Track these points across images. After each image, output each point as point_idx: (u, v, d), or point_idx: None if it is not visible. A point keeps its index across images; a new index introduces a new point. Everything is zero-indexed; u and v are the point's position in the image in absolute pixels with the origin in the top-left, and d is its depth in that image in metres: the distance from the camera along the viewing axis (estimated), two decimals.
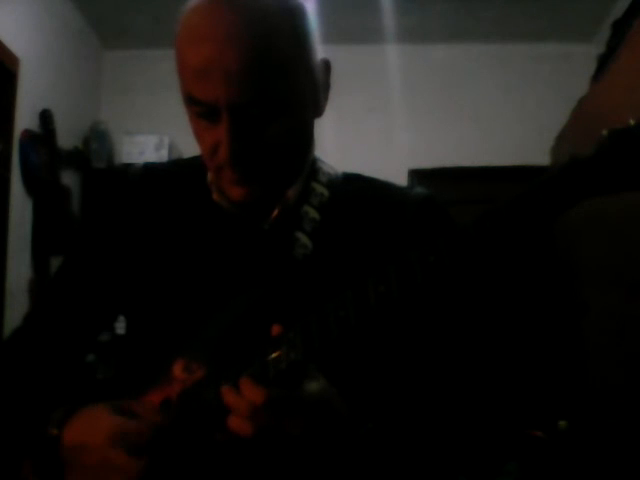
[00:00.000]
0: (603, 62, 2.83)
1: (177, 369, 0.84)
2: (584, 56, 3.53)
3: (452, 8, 3.60)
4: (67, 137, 3.40)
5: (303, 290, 0.89)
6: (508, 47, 3.95)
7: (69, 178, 3.45)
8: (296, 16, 0.87)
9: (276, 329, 0.78)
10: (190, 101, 0.85)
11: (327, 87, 0.94)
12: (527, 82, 3.90)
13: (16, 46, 2.92)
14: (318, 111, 0.94)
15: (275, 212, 0.92)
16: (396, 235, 0.92)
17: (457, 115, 3.93)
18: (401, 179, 3.79)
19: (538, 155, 3.69)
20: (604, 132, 0.65)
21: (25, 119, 3.02)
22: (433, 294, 0.78)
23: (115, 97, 3.97)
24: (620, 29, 2.67)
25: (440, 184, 3.85)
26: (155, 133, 3.69)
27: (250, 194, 0.89)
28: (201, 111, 0.85)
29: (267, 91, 0.82)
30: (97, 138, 3.68)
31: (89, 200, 3.61)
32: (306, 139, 0.95)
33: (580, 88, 3.11)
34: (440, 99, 3.95)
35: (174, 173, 1.02)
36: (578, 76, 3.27)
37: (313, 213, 0.94)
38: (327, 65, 0.93)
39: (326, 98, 0.94)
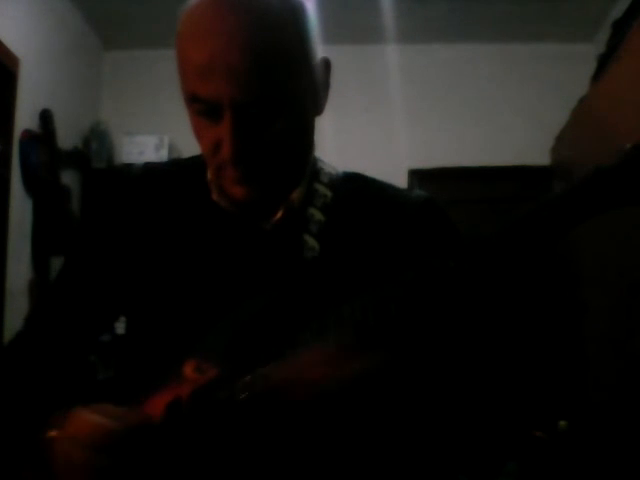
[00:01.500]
0: (603, 62, 2.83)
1: (188, 369, 0.84)
2: (584, 56, 3.53)
3: (452, 8, 3.60)
4: (67, 137, 3.40)
5: (315, 292, 0.89)
6: (508, 47, 3.95)
7: (69, 178, 3.45)
8: (298, 14, 0.86)
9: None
10: (192, 99, 0.85)
11: (327, 86, 0.94)
12: (527, 82, 3.90)
13: (16, 46, 2.92)
14: (318, 110, 0.94)
15: (279, 214, 0.92)
16: (397, 235, 0.92)
17: (457, 115, 3.93)
18: (401, 179, 3.79)
19: (538, 155, 3.69)
20: (628, 145, 0.65)
21: (25, 119, 3.02)
22: (449, 302, 0.78)
23: (115, 97, 3.97)
24: (620, 29, 2.67)
25: (440, 184, 3.85)
26: (155, 133, 3.69)
27: (251, 194, 0.89)
28: (203, 109, 0.84)
29: (270, 89, 0.82)
30: (97, 138, 3.68)
31: (89, 200, 3.61)
32: (307, 138, 0.94)
33: (580, 88, 3.11)
34: (440, 99, 3.95)
35: (173, 173, 1.02)
36: (578, 76, 3.27)
37: (318, 215, 0.94)
38: (327, 64, 0.93)
39: (326, 97, 0.94)
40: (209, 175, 0.94)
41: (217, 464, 0.82)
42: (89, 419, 0.80)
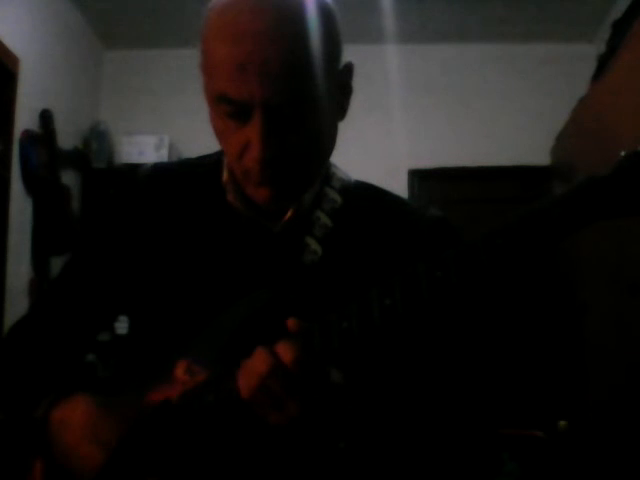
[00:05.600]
0: (603, 62, 2.83)
1: (179, 370, 0.84)
2: (584, 56, 3.53)
3: (452, 8, 3.60)
4: (67, 137, 3.40)
5: (310, 296, 0.88)
6: (508, 47, 3.95)
7: (69, 178, 3.45)
8: (329, 16, 0.87)
9: (291, 323, 0.78)
10: (221, 100, 0.83)
11: (350, 90, 0.94)
12: (527, 82, 3.90)
13: (16, 46, 2.92)
14: (342, 113, 0.93)
15: (288, 215, 0.91)
16: (406, 251, 0.90)
17: (457, 115, 3.93)
18: (401, 179, 3.79)
19: (538, 155, 3.69)
20: (622, 153, 0.64)
21: (25, 119, 3.02)
22: (438, 307, 0.77)
23: (115, 97, 3.97)
24: (620, 29, 2.67)
25: (440, 184, 3.86)
26: (155, 133, 3.69)
27: (275, 195, 0.88)
28: (231, 110, 0.83)
29: (302, 90, 0.82)
30: (97, 138, 3.68)
31: (89, 200, 3.61)
32: (332, 141, 0.93)
33: (580, 88, 3.11)
34: (440, 99, 3.95)
35: (184, 173, 1.00)
36: (578, 76, 3.27)
37: (325, 219, 0.93)
38: (350, 68, 0.93)
39: (349, 101, 0.94)
40: (225, 176, 0.93)
41: (203, 465, 0.83)
42: (90, 410, 0.85)
